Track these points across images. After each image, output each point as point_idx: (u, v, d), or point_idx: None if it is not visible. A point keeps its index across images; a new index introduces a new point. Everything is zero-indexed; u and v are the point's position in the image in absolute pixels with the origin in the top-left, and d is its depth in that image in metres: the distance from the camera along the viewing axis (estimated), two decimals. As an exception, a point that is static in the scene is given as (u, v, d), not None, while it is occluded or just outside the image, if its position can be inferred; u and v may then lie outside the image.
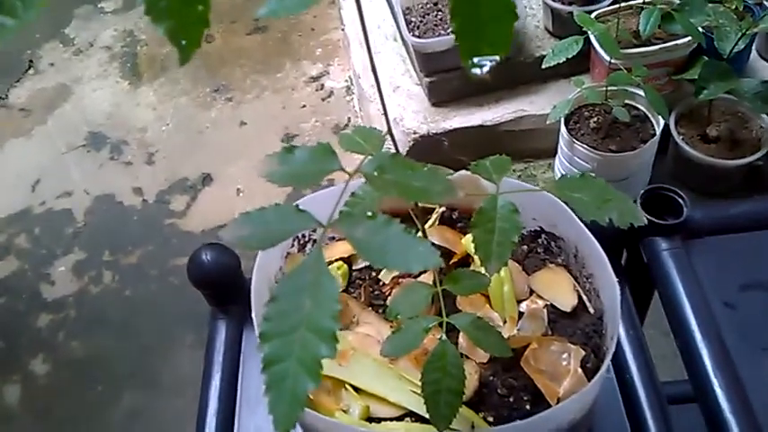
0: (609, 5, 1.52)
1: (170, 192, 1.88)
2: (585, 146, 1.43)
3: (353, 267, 0.62)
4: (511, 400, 0.52)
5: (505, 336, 0.53)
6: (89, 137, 2.06)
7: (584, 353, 0.53)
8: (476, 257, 0.55)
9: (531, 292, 0.59)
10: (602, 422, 0.60)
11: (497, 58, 0.27)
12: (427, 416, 0.46)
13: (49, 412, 1.53)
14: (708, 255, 0.69)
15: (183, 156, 1.96)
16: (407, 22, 1.60)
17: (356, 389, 0.52)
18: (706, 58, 1.37)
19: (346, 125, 1.97)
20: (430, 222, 0.63)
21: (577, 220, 0.55)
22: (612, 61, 1.35)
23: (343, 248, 0.61)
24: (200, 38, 0.24)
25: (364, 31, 0.35)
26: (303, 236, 0.63)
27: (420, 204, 0.53)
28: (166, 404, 1.49)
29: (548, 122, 1.44)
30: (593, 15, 1.42)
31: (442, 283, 0.49)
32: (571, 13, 1.40)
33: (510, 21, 0.27)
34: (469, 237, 0.58)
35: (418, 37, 1.57)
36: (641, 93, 1.39)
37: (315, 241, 0.64)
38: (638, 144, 1.44)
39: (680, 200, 0.70)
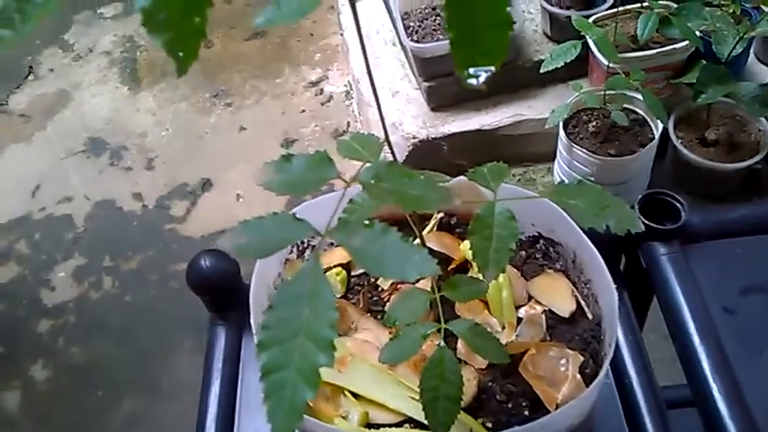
0: (607, 10, 1.52)
1: (170, 197, 1.89)
2: (584, 150, 1.43)
3: (352, 273, 0.62)
4: (509, 405, 0.52)
5: (504, 342, 0.53)
6: (89, 142, 2.06)
7: (582, 358, 0.53)
8: (474, 263, 0.55)
9: (530, 297, 0.59)
10: (601, 428, 0.60)
11: (493, 68, 0.28)
12: (426, 422, 0.46)
13: (49, 418, 1.53)
14: (706, 259, 0.69)
15: (182, 161, 1.96)
16: (406, 27, 1.61)
17: (355, 395, 0.52)
18: (704, 62, 1.38)
19: (346, 130, 1.97)
20: (428, 228, 0.63)
21: (575, 225, 0.55)
22: (611, 65, 1.35)
23: (342, 254, 0.61)
24: (197, 49, 0.25)
25: (360, 36, 0.35)
26: (302, 242, 0.63)
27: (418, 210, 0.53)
28: (166, 409, 1.49)
29: (546, 127, 1.44)
30: (591, 20, 1.43)
31: (441, 289, 0.49)
32: (569, 17, 1.40)
33: (505, 31, 0.27)
34: (468, 243, 0.58)
35: (417, 42, 1.58)
36: (640, 97, 1.39)
37: (314, 247, 0.64)
38: (636, 148, 1.44)
39: (678, 205, 0.70)
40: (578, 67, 1.51)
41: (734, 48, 1.29)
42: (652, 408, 0.60)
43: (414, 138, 1.61)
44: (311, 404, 0.51)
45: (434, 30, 1.62)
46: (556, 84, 1.63)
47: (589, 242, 0.55)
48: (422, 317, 0.49)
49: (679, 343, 0.64)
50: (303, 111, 2.04)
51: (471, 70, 0.27)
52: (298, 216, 0.35)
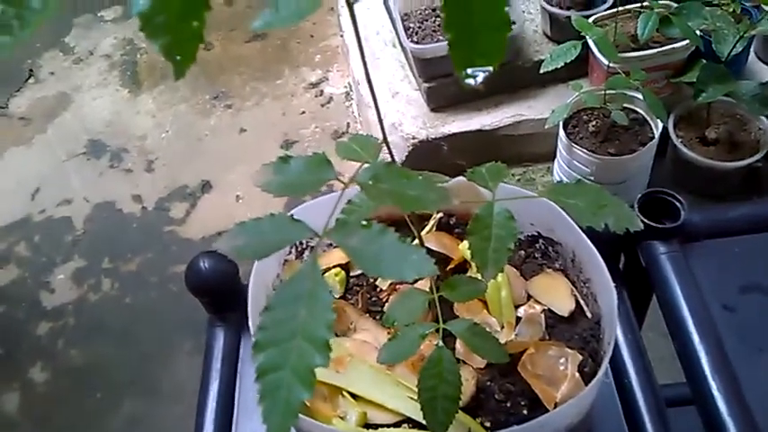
0: (607, 10, 1.52)
1: (169, 199, 1.89)
2: (584, 149, 1.43)
3: (351, 274, 0.62)
4: (508, 405, 0.52)
5: (503, 341, 0.53)
6: (89, 145, 2.06)
7: (581, 357, 0.53)
8: (473, 263, 0.55)
9: (529, 297, 0.59)
10: (601, 427, 0.60)
11: (491, 68, 0.28)
12: (424, 422, 0.46)
13: (48, 420, 1.53)
14: (706, 258, 0.69)
15: (182, 163, 1.97)
16: (406, 28, 1.61)
17: (353, 395, 0.52)
18: (704, 62, 1.38)
19: (346, 131, 1.97)
20: (427, 228, 0.63)
21: (575, 225, 0.55)
22: (611, 65, 1.35)
23: (341, 255, 0.61)
24: (194, 53, 0.25)
25: (358, 38, 0.35)
26: (301, 243, 0.63)
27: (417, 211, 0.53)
28: (166, 411, 1.49)
29: (546, 127, 1.44)
30: (591, 20, 1.42)
31: (439, 289, 0.49)
32: (569, 17, 1.40)
33: (504, 32, 0.27)
34: (466, 243, 0.58)
35: (416, 43, 1.58)
36: (640, 96, 1.39)
37: (312, 248, 0.64)
38: (636, 147, 1.44)
39: (677, 203, 0.70)
40: (578, 67, 1.51)
41: (734, 47, 1.29)
42: (651, 406, 0.60)
43: (413, 138, 1.61)
44: (309, 404, 0.51)
45: (434, 31, 1.62)
46: (556, 84, 1.63)
47: (588, 241, 0.55)
48: (420, 317, 0.49)
49: (678, 341, 0.64)
50: (303, 112, 2.04)
51: (469, 70, 0.27)
52: (295, 217, 0.35)
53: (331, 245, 0.63)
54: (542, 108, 1.59)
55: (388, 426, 0.51)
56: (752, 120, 1.50)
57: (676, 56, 1.46)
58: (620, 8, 1.40)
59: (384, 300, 0.59)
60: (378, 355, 0.48)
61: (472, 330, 0.46)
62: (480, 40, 0.27)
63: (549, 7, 1.58)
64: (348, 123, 1.99)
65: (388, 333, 0.55)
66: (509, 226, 0.42)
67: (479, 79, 0.28)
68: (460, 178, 0.54)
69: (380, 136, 0.45)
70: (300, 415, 0.43)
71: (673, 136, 1.50)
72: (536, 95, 1.64)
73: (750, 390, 0.59)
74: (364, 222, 0.31)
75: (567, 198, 0.44)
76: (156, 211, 1.86)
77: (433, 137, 1.61)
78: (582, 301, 0.58)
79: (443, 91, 1.62)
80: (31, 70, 2.32)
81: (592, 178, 1.45)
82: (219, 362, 0.69)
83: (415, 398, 0.46)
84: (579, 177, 1.48)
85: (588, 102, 1.42)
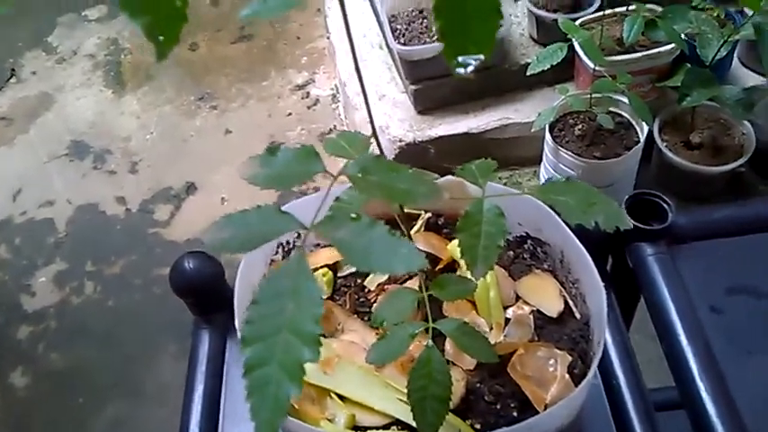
0: (593, 13, 1.53)
1: (154, 201, 1.87)
2: (570, 153, 1.43)
3: (339, 275, 0.61)
4: (498, 406, 0.52)
5: (492, 342, 0.52)
6: (72, 146, 2.04)
7: (570, 358, 0.53)
8: (462, 263, 0.54)
9: (518, 297, 0.58)
10: (590, 429, 0.60)
11: (482, 57, 0.27)
12: (414, 424, 0.45)
13: (29, 426, 1.50)
14: (693, 260, 0.69)
15: (167, 164, 1.95)
16: (393, 30, 1.61)
17: (341, 397, 0.51)
18: (689, 66, 1.39)
19: (331, 132, 1.96)
20: (416, 228, 0.62)
21: (563, 224, 0.55)
22: (597, 69, 1.36)
23: (329, 255, 0.61)
24: (177, 33, 0.24)
25: (350, 40, 0.35)
26: (287, 242, 0.63)
27: (406, 210, 0.53)
28: (149, 414, 1.47)
29: (533, 130, 1.44)
30: (577, 23, 1.43)
31: (428, 288, 0.48)
32: (556, 20, 1.41)
33: (495, 19, 0.26)
34: (455, 242, 0.58)
35: (404, 45, 1.58)
36: (625, 100, 1.40)
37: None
38: (622, 151, 1.44)
39: (665, 205, 0.70)
40: (564, 71, 1.52)
41: (718, 51, 1.30)
42: (640, 409, 0.60)
43: (400, 141, 1.61)
44: (297, 406, 0.50)
45: (421, 33, 1.62)
46: (542, 87, 1.63)
47: (577, 241, 0.55)
48: (409, 317, 0.48)
49: (666, 343, 0.64)
50: (289, 114, 2.03)
51: (460, 59, 0.27)
52: (283, 209, 0.34)
53: (318, 245, 0.63)
54: (529, 111, 1.60)
55: (377, 428, 0.50)
56: (735, 124, 1.52)
57: (661, 60, 1.47)
58: (607, 11, 1.41)
59: (372, 300, 0.59)
60: (366, 355, 0.48)
61: (462, 330, 0.46)
62: (471, 28, 0.27)
63: (535, 10, 1.59)
64: (334, 125, 1.98)
65: (377, 334, 0.54)
66: (499, 223, 0.41)
67: (470, 68, 0.28)
68: (449, 177, 0.54)
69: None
70: (288, 417, 0.43)
71: (658, 140, 1.51)
72: (522, 99, 1.65)
73: (738, 391, 0.59)
74: (353, 215, 0.30)
75: (556, 195, 0.43)
76: (140, 212, 1.84)
77: (419, 140, 1.61)
78: (571, 302, 0.58)
79: (430, 93, 1.61)
80: (12, 69, 2.29)
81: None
82: (204, 364, 0.68)
83: (404, 399, 0.45)
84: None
85: (574, 105, 1.42)
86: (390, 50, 1.69)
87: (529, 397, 0.51)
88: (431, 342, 0.45)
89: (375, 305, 0.57)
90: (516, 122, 1.61)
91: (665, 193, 0.72)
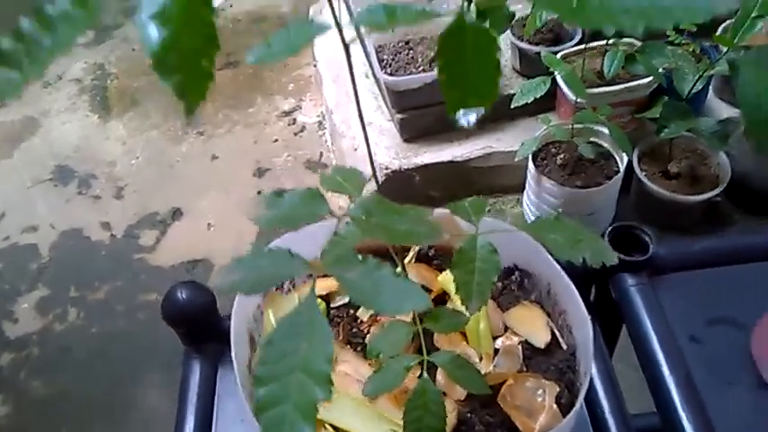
0: (574, 46, 1.57)
1: (139, 226, 1.86)
2: (552, 182, 1.46)
3: (331, 305, 0.63)
4: (489, 436, 0.53)
5: (483, 372, 0.54)
6: (56, 171, 2.03)
7: (558, 389, 0.55)
8: (452, 294, 0.56)
9: (506, 328, 0.60)
10: (577, 456, 0.61)
11: (483, 109, 0.29)
12: (408, 454, 0.46)
13: (10, 454, 1.48)
14: (673, 290, 0.72)
15: (152, 190, 1.95)
16: (380, 61, 1.64)
17: (335, 428, 0.52)
18: (666, 98, 1.43)
19: (318, 160, 1.98)
20: (407, 259, 0.64)
21: (550, 258, 0.57)
22: (578, 100, 1.40)
23: (322, 286, 0.62)
24: (205, 91, 0.26)
25: (352, 77, 0.37)
26: (281, 274, 0.64)
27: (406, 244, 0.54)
28: (133, 444, 1.46)
29: (516, 159, 1.47)
30: (559, 56, 1.47)
31: (423, 321, 0.50)
32: (538, 53, 1.45)
33: (495, 75, 0.28)
34: (446, 274, 0.60)
35: (390, 75, 1.61)
36: (606, 131, 1.43)
37: (293, 279, 0.64)
38: (603, 180, 1.48)
39: (646, 237, 0.72)
40: (547, 101, 1.55)
41: (694, 85, 1.34)
42: (624, 436, 0.62)
43: (386, 168, 1.63)
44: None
45: (408, 63, 1.65)
46: (525, 117, 1.67)
47: (563, 274, 0.57)
48: (404, 349, 0.50)
49: (649, 372, 0.66)
50: (276, 140, 2.05)
51: (462, 112, 0.29)
52: (286, 249, 0.36)
53: (311, 275, 0.64)
54: (512, 141, 1.63)
55: (371, 458, 0.51)
56: (711, 155, 1.56)
57: (640, 92, 1.51)
58: (588, 45, 1.45)
59: (365, 331, 0.60)
60: (363, 387, 0.49)
61: (455, 362, 0.47)
62: (473, 82, 0.29)
63: (518, 43, 1.63)
64: (321, 152, 2.00)
65: (370, 365, 0.55)
66: (492, 260, 0.43)
67: (472, 120, 0.30)
68: (440, 210, 0.55)
69: (356, 165, 0.46)
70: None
71: (637, 170, 1.55)
72: (505, 128, 1.68)
73: (718, 419, 0.61)
74: (360, 257, 0.32)
75: (546, 233, 0.46)
76: (126, 238, 1.84)
77: (405, 167, 1.63)
78: (557, 333, 0.60)
79: (416, 122, 1.64)
80: (-3, 94, 2.28)
81: (560, 210, 1.48)
82: (195, 394, 0.68)
83: (398, 430, 0.47)
84: (548, 209, 1.51)
85: (556, 135, 1.46)
86: (377, 80, 1.72)
87: (518, 427, 0.52)
88: (426, 375, 0.47)
89: (368, 336, 0.59)
90: (499, 151, 1.64)
91: (644, 221, 0.74)
